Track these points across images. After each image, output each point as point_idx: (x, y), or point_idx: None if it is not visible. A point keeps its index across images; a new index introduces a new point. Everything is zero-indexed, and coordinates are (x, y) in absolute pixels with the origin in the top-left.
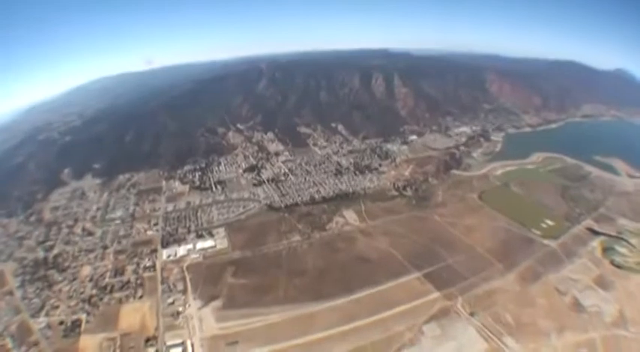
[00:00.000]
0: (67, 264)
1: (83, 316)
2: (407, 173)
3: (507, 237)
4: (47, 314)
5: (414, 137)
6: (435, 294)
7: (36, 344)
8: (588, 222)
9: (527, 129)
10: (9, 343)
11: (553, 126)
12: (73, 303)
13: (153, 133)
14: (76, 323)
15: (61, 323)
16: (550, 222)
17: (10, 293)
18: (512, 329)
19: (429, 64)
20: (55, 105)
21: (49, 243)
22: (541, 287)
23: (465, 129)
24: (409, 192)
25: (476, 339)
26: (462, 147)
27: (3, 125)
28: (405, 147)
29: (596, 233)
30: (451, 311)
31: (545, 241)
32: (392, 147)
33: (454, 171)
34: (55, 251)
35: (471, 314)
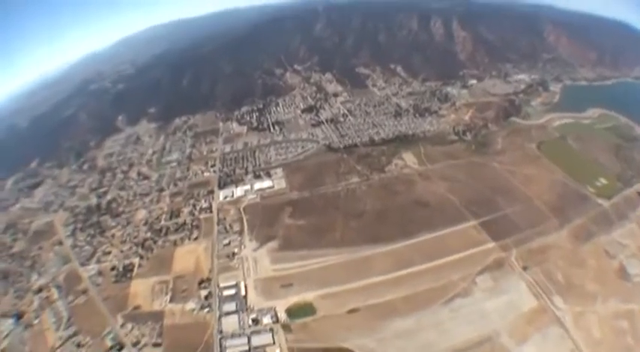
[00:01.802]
0: (120, 209)
1: (136, 260)
2: (467, 117)
3: (563, 191)
4: (98, 261)
5: (473, 81)
6: (491, 244)
7: (84, 291)
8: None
9: (584, 83)
10: (54, 293)
11: (608, 82)
12: (126, 248)
13: (209, 76)
14: (129, 268)
15: (113, 268)
16: (604, 181)
17: (60, 243)
18: (561, 289)
19: (486, 9)
20: (104, 56)
21: (102, 190)
22: (591, 248)
23: (524, 76)
24: (469, 137)
25: (527, 295)
26: (521, 95)
27: (51, 80)
28: (464, 91)
29: None
30: (505, 263)
31: (599, 200)
32: (452, 90)
33: (513, 119)
34: (109, 197)
35: (524, 269)
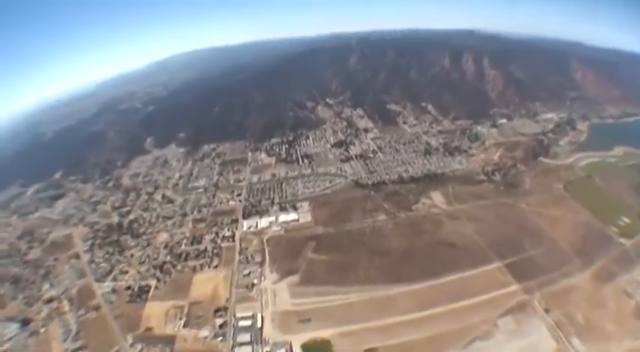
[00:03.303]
0: (142, 229)
1: (153, 282)
2: (496, 157)
3: (587, 233)
4: (114, 279)
5: (503, 120)
6: (514, 287)
7: (97, 308)
8: None
9: (610, 121)
10: (65, 305)
11: (631, 119)
12: (143, 269)
13: (240, 105)
14: (144, 289)
15: (128, 288)
16: (626, 220)
17: (76, 256)
18: (581, 331)
19: (516, 46)
20: (135, 77)
21: (125, 209)
22: (612, 288)
23: (552, 115)
24: (497, 177)
25: (547, 338)
26: (549, 134)
27: (82, 95)
28: (494, 130)
29: None
30: (528, 305)
31: (621, 239)
32: (481, 129)
33: (542, 159)
34: (131, 216)
35: (546, 311)
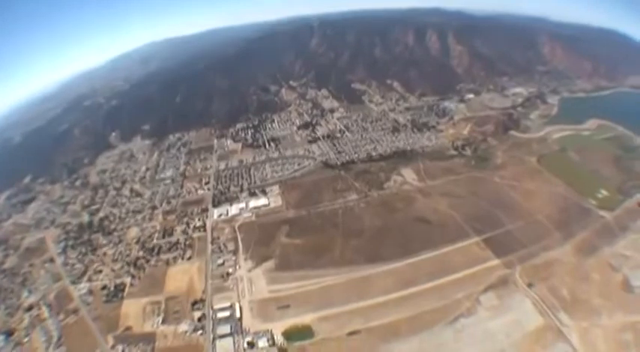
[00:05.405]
0: (113, 226)
1: (128, 280)
2: (465, 132)
3: (565, 205)
4: (89, 280)
5: (470, 95)
6: (494, 261)
7: (75, 311)
8: None
9: (581, 94)
10: (45, 312)
11: (605, 93)
12: (117, 267)
13: (203, 93)
14: (120, 288)
15: (104, 288)
16: (605, 193)
17: (51, 260)
18: (567, 305)
19: (481, 23)
20: (98, 72)
21: (94, 207)
22: (595, 261)
23: (521, 89)
24: (468, 152)
25: (532, 313)
26: (519, 108)
27: (47, 95)
28: (462, 105)
29: None
30: (509, 280)
31: (601, 212)
32: (449, 105)
33: (512, 132)
34: (101, 214)
35: (529, 285)
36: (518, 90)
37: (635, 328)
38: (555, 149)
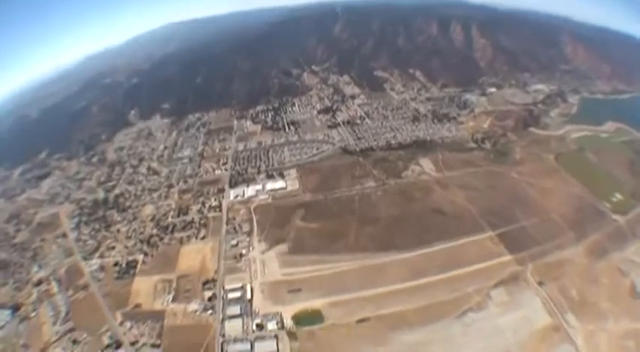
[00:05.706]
0: (128, 203)
1: (140, 257)
2: (485, 125)
3: (580, 206)
4: (101, 256)
5: (492, 89)
6: (507, 257)
7: (85, 287)
8: None
9: (600, 96)
10: (54, 287)
11: (623, 96)
12: (130, 244)
13: (224, 74)
14: (132, 265)
15: (116, 264)
16: (619, 196)
17: (64, 235)
18: (575, 306)
19: (505, 18)
20: (119, 51)
21: (110, 184)
22: (606, 265)
23: (542, 86)
24: (487, 146)
25: (541, 312)
26: (539, 105)
27: (65, 73)
28: (483, 98)
29: None
30: (520, 277)
31: (614, 216)
32: (470, 97)
33: (532, 129)
34: (117, 191)
35: (540, 284)
36: (539, 87)
37: (638, 335)
38: (573, 148)
